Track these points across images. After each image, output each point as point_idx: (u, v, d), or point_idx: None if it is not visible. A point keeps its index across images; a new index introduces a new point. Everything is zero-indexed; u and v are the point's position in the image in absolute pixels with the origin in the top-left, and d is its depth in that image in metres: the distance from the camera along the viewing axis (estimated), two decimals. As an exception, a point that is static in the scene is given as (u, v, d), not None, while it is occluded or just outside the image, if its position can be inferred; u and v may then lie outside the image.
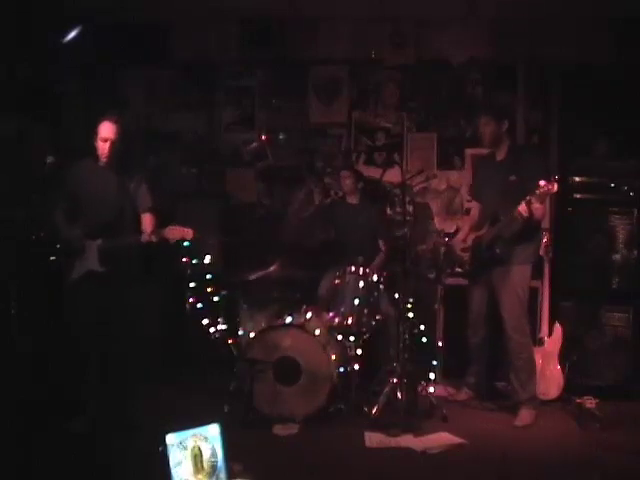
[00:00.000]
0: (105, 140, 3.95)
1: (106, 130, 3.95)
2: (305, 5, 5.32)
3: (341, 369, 4.32)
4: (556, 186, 3.82)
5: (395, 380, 4.21)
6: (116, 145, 3.96)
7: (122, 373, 3.98)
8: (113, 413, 3.87)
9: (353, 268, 4.51)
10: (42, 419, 3.80)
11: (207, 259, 4.82)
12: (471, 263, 4.43)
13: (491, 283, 4.33)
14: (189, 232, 3.88)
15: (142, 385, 4.28)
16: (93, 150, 3.99)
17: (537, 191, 3.84)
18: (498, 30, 5.41)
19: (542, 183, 3.82)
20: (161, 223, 4.00)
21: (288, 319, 4.35)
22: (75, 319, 3.96)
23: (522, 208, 3.95)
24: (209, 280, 4.80)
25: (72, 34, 5.18)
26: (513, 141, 4.49)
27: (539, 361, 4.43)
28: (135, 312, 4.19)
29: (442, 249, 4.90)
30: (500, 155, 4.35)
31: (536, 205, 3.93)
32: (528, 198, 3.91)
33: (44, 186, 4.02)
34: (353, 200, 5.18)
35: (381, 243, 5.06)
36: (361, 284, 4.44)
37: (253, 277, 4.53)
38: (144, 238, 3.92)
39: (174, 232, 3.86)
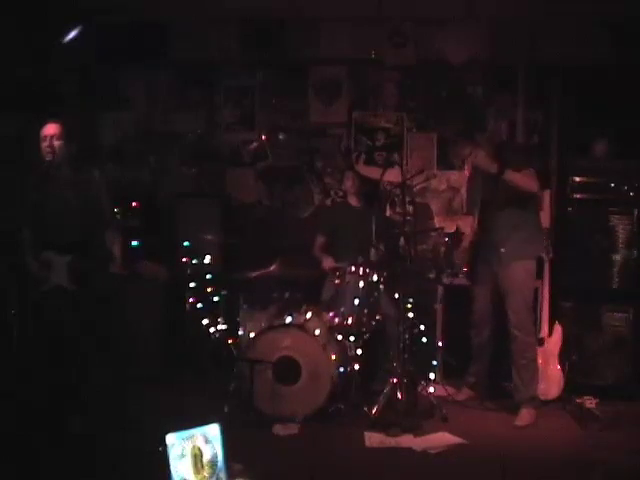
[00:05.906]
0: (46, 137, 3.89)
1: (48, 128, 3.91)
2: (305, 5, 5.32)
3: (341, 369, 4.32)
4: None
5: (395, 380, 4.21)
6: (61, 143, 3.90)
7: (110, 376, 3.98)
8: (112, 413, 3.87)
9: (353, 268, 4.51)
10: (41, 419, 3.80)
11: (207, 259, 4.82)
12: (474, 263, 4.43)
13: (495, 282, 4.33)
14: (163, 272, 3.87)
15: (141, 385, 4.28)
16: (42, 160, 3.92)
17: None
18: (498, 30, 5.40)
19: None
20: (153, 225, 4.00)
21: (288, 319, 4.35)
22: (39, 331, 3.92)
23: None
24: (209, 280, 4.80)
25: (72, 34, 5.18)
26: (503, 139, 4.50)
27: (539, 361, 4.43)
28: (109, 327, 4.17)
29: (442, 249, 4.90)
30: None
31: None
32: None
33: (44, 186, 4.01)
34: (355, 202, 5.14)
35: (381, 245, 5.02)
36: (361, 284, 4.43)
37: (253, 275, 4.53)
38: (114, 269, 3.92)
39: (147, 269, 3.86)
